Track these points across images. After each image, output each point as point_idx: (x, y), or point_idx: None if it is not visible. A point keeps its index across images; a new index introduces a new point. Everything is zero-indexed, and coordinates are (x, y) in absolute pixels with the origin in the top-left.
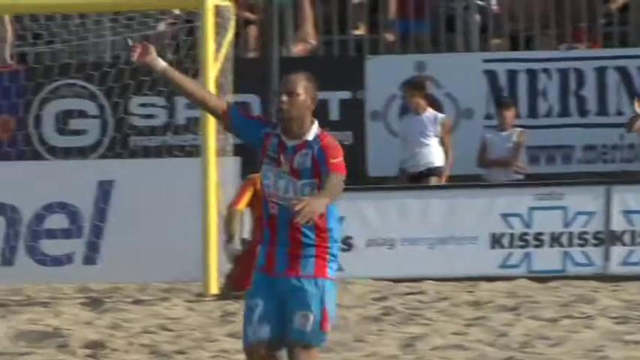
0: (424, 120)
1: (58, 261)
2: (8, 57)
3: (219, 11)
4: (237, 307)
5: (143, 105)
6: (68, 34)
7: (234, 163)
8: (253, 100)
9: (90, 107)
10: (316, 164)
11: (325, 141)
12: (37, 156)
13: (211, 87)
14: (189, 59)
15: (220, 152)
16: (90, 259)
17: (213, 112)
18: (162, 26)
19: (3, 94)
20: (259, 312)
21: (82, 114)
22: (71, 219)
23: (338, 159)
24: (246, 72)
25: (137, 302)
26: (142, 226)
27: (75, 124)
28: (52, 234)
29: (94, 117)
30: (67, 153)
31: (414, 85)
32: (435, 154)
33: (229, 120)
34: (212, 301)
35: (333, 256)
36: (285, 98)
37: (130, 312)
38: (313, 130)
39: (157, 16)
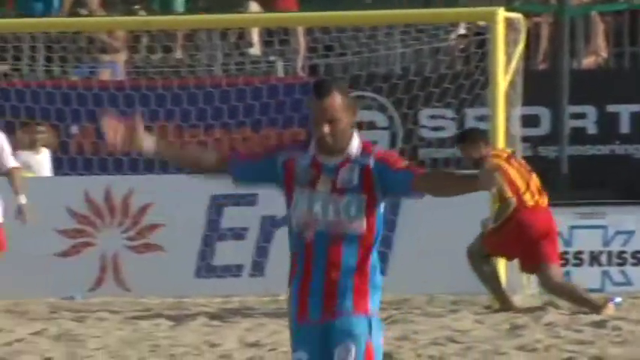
0: None
1: None
2: (300, 69)
3: (510, 23)
4: (526, 320)
5: (432, 117)
6: (359, 46)
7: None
8: (542, 113)
9: (380, 119)
10: (368, 179)
11: (378, 153)
12: None
13: (500, 99)
14: (478, 71)
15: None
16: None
17: (219, 172)
18: (452, 38)
19: (293, 106)
20: None
21: (371, 125)
22: None
23: (403, 162)
24: (535, 84)
25: (425, 314)
26: (430, 237)
27: (365, 135)
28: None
29: (383, 129)
30: None
31: None
32: None
33: (232, 177)
34: (500, 314)
35: (374, 287)
36: (327, 129)
37: (418, 324)
38: (355, 142)
39: (448, 29)
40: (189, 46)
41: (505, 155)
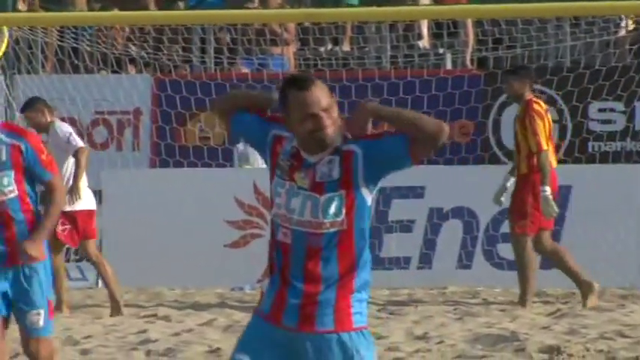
0: None
1: (514, 265)
2: (468, 61)
3: None
4: None
5: (602, 110)
6: (528, 39)
7: None
8: None
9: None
10: (348, 168)
11: (365, 136)
12: (495, 160)
13: None
14: None
15: None
16: (547, 264)
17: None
18: (622, 31)
19: (462, 98)
20: None
21: None
22: None
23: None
24: None
25: (594, 308)
26: (599, 231)
27: None
28: (508, 238)
29: (553, 122)
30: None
31: None
32: None
33: (230, 123)
34: None
35: (359, 300)
36: (327, 120)
37: (586, 317)
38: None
39: (617, 21)
40: (357, 39)
41: (545, 108)
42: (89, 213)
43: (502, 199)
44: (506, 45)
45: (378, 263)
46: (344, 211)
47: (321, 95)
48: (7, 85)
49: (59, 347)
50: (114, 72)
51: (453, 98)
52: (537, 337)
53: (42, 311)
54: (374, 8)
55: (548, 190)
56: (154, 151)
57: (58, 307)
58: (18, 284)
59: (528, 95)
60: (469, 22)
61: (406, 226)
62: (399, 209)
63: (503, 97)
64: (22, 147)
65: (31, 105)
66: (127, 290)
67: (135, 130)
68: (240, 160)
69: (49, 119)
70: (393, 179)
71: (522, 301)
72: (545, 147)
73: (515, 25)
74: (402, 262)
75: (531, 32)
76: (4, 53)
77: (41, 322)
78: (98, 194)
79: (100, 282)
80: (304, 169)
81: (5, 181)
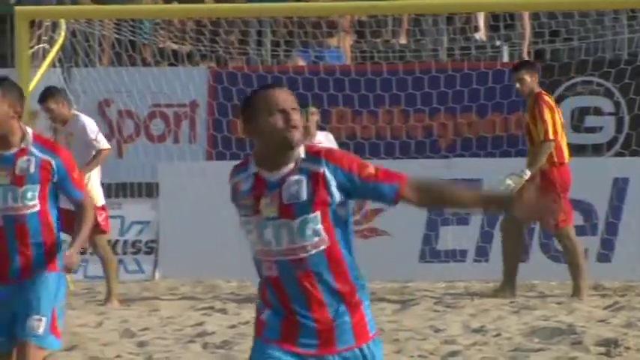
0: None
1: None
2: (525, 54)
3: None
4: None
5: None
6: (585, 31)
7: None
8: None
9: (606, 104)
10: (320, 189)
11: (328, 154)
12: None
13: None
14: None
15: None
16: (604, 257)
17: None
18: None
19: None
20: None
21: (597, 111)
22: (585, 216)
23: (364, 164)
24: None
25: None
26: None
27: (590, 121)
28: None
29: (609, 114)
30: (581, 150)
31: None
32: None
33: None
34: None
35: (368, 306)
36: (297, 120)
37: None
38: (301, 148)
39: None
40: (414, 31)
41: (554, 102)
42: (98, 209)
43: (509, 182)
44: (563, 37)
45: (435, 256)
46: (322, 228)
47: (288, 95)
48: (64, 78)
49: (116, 340)
50: (170, 64)
51: (509, 90)
52: (594, 330)
53: (44, 319)
54: (431, 1)
55: (527, 175)
56: (211, 144)
57: (109, 298)
58: (24, 293)
59: (537, 89)
60: (526, 15)
61: (463, 219)
62: None
63: (560, 90)
64: (53, 164)
65: (52, 95)
66: (184, 283)
67: (191, 122)
68: None
69: (70, 111)
70: (450, 171)
71: (577, 292)
72: (551, 137)
73: (572, 18)
74: (459, 255)
75: (588, 25)
76: (62, 46)
77: (41, 330)
78: (155, 187)
79: (157, 274)
80: (269, 194)
81: (29, 194)
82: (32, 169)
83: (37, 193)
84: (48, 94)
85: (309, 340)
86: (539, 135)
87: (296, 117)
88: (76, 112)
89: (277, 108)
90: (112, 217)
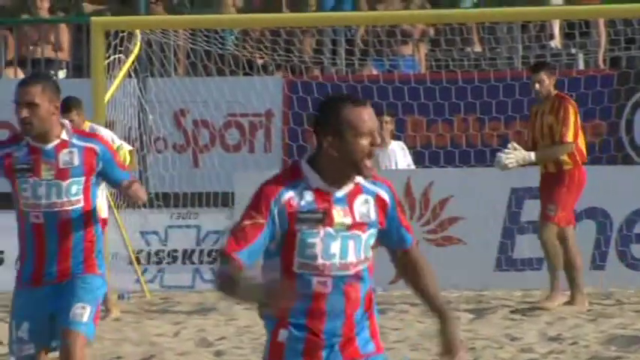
0: None
1: None
2: (601, 61)
3: None
4: None
5: None
6: None
7: None
8: None
9: None
10: (381, 215)
11: (392, 187)
12: (628, 160)
13: None
14: None
15: None
16: None
17: None
18: None
19: (595, 98)
20: None
21: None
22: None
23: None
24: None
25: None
26: None
27: None
28: None
29: None
30: None
31: None
32: None
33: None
34: None
35: (377, 311)
36: (375, 150)
37: None
38: None
39: None
40: (489, 39)
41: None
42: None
43: (507, 162)
44: (639, 45)
45: (511, 264)
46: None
47: (375, 119)
48: (139, 89)
49: (193, 349)
50: (245, 74)
51: (585, 98)
52: None
53: (88, 307)
54: (506, 9)
55: (532, 157)
56: (286, 153)
57: (109, 309)
58: (63, 290)
59: (554, 90)
60: (601, 22)
61: (539, 227)
62: (531, 210)
63: (636, 98)
64: (98, 149)
65: (76, 106)
66: None
67: (267, 131)
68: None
69: (84, 122)
70: (525, 180)
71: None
72: (569, 139)
73: None
74: (535, 263)
75: None
76: (137, 56)
77: (85, 317)
78: (231, 196)
79: None
80: (339, 206)
81: (74, 189)
82: (76, 162)
83: (81, 187)
84: (75, 104)
85: (333, 356)
86: (561, 135)
87: (377, 147)
88: (91, 124)
89: (364, 131)
90: (187, 226)
